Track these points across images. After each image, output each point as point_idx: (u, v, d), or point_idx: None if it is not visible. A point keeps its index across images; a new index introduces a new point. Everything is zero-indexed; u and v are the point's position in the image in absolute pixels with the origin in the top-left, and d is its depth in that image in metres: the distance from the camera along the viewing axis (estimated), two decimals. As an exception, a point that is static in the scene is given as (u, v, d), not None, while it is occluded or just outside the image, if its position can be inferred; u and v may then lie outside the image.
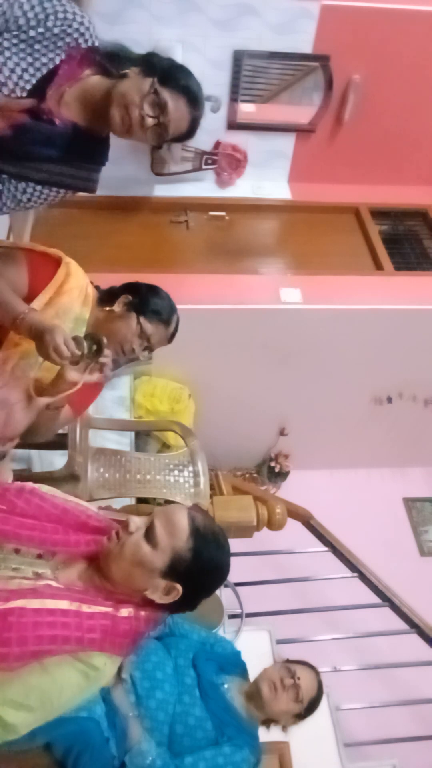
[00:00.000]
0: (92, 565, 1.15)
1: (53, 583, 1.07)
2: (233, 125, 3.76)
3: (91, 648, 1.03)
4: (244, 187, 4.04)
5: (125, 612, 1.09)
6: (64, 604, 1.03)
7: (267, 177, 4.07)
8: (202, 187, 4.00)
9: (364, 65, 3.55)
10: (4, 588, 1.03)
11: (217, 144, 3.83)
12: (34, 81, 1.34)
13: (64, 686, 1.00)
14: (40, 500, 1.15)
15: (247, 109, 3.76)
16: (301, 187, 4.11)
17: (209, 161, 3.85)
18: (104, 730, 1.47)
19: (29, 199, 1.46)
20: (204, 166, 3.86)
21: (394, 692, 3.28)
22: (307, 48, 3.46)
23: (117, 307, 1.62)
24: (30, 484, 1.20)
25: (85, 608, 1.05)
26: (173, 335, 1.69)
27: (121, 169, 3.62)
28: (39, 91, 1.35)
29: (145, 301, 1.63)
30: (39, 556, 1.11)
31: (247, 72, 3.56)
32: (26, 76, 1.33)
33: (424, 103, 3.77)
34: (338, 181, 4.11)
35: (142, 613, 1.11)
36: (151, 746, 1.53)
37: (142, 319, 1.59)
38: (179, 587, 1.12)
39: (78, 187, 1.53)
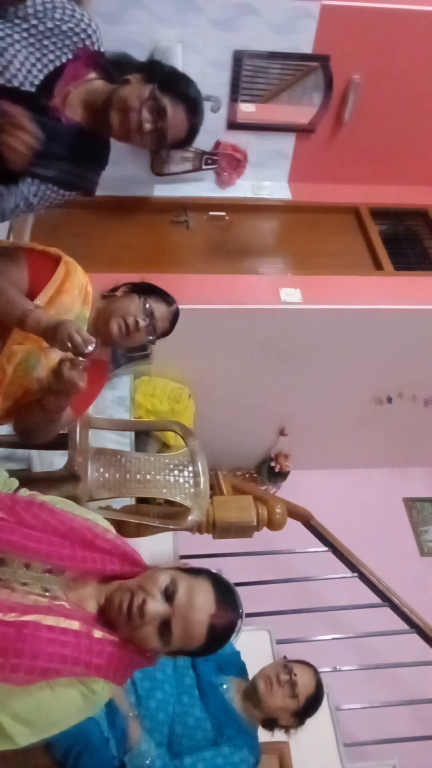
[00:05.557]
0: (102, 590, 1.15)
1: (66, 605, 1.08)
2: (233, 125, 3.76)
3: (96, 673, 1.04)
4: (244, 187, 4.04)
5: (131, 645, 1.11)
6: (76, 626, 1.04)
7: (267, 177, 4.07)
8: (202, 187, 4.00)
9: (364, 65, 3.55)
10: (21, 602, 1.04)
11: (217, 144, 3.83)
12: (41, 77, 1.36)
13: (64, 705, 1.01)
14: (49, 515, 1.14)
15: (247, 109, 3.76)
16: (301, 187, 4.11)
17: (209, 161, 3.85)
18: (104, 730, 1.47)
19: (39, 201, 1.46)
20: (204, 166, 3.86)
21: (394, 692, 3.28)
22: (307, 48, 3.46)
23: (119, 293, 1.64)
24: (39, 499, 1.20)
25: (96, 633, 1.06)
26: (174, 320, 1.69)
27: (121, 169, 3.62)
28: (46, 87, 1.37)
29: (147, 285, 1.66)
30: (48, 571, 1.11)
31: (247, 72, 3.56)
32: (35, 71, 1.35)
33: (424, 103, 3.77)
34: (338, 181, 4.11)
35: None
36: (151, 747, 1.53)
37: (144, 297, 1.61)
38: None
39: (84, 187, 1.53)
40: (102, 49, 1.45)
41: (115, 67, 1.44)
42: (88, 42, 1.41)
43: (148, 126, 1.38)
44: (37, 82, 1.35)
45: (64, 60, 1.38)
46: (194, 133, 1.47)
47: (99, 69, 1.45)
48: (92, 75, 1.45)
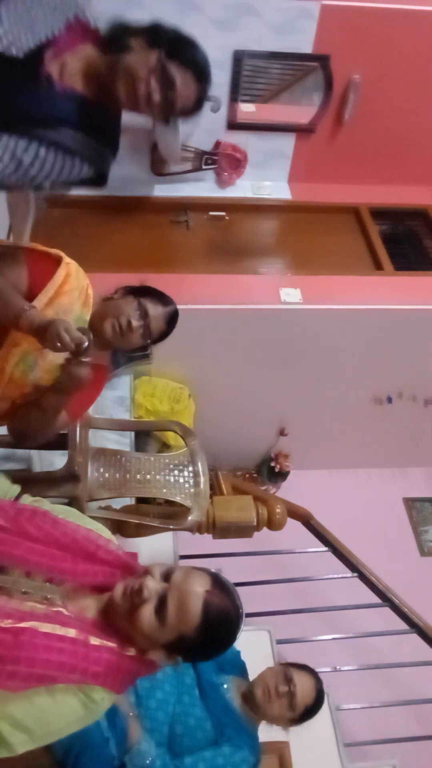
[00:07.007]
0: (102, 599, 1.15)
1: (64, 611, 1.08)
2: (233, 125, 3.76)
3: (93, 681, 1.03)
4: (244, 187, 4.05)
5: (130, 651, 1.10)
6: (72, 633, 1.04)
7: (267, 177, 4.07)
8: (202, 187, 4.00)
9: (364, 65, 3.55)
10: (18, 608, 1.04)
11: (217, 144, 3.83)
12: (31, 45, 1.32)
13: (63, 713, 1.02)
14: (52, 527, 1.14)
15: (247, 109, 3.76)
16: (301, 187, 4.11)
17: (209, 161, 3.85)
18: (104, 730, 1.47)
19: (33, 162, 1.36)
20: (204, 166, 3.86)
21: (394, 692, 3.28)
22: (307, 48, 3.46)
23: (116, 294, 1.64)
24: (43, 509, 1.20)
25: (93, 640, 1.05)
26: (171, 320, 1.67)
27: (121, 169, 3.58)
28: (36, 54, 1.33)
29: (145, 288, 1.65)
30: (48, 581, 1.11)
31: (247, 72, 3.56)
32: (23, 39, 1.31)
33: (424, 103, 3.77)
34: (338, 181, 4.11)
35: (144, 656, 1.12)
36: (151, 746, 1.53)
37: (140, 299, 1.60)
38: (179, 658, 1.14)
39: (95, 162, 1.47)
40: (98, 28, 1.41)
41: (112, 40, 1.40)
42: (81, 16, 1.38)
43: (157, 96, 1.35)
44: (25, 48, 1.31)
45: (56, 32, 1.35)
46: (203, 100, 1.44)
47: (95, 43, 1.41)
48: (89, 48, 1.41)
